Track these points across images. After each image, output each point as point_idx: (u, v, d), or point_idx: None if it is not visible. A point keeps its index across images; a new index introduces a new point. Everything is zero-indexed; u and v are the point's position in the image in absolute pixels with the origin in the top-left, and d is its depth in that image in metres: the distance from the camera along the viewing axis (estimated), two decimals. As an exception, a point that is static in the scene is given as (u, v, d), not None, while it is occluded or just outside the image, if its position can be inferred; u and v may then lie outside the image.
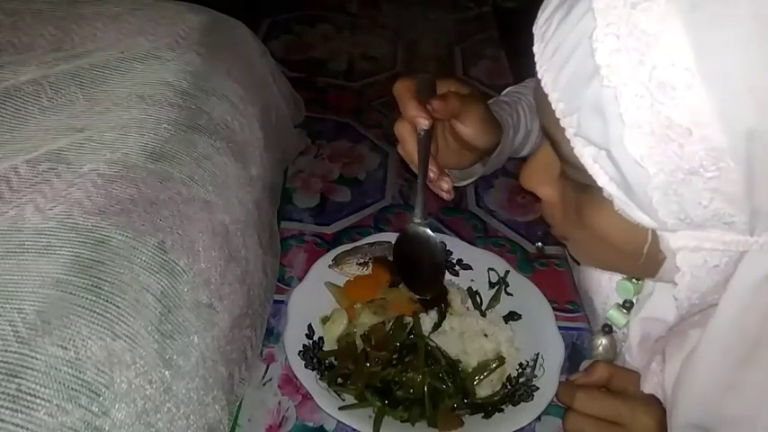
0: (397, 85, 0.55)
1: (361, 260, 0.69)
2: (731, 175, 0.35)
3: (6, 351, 0.36)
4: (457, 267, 0.72)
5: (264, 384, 0.61)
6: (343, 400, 0.57)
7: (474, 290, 0.70)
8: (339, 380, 0.60)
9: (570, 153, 0.40)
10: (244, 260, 0.57)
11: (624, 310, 0.55)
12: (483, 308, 0.68)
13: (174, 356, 0.44)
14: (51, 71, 0.59)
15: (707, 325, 0.42)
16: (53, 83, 0.58)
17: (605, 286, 0.58)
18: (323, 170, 0.89)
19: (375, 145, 0.95)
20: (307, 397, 0.59)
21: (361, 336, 0.62)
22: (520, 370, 0.62)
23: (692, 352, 0.44)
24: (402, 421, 0.57)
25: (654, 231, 0.40)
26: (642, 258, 0.42)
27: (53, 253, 0.42)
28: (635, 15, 0.34)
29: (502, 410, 0.58)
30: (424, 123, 0.54)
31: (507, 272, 0.71)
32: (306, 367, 0.59)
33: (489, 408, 0.58)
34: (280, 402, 0.59)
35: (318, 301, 0.66)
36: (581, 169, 0.40)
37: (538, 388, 0.60)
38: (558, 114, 0.39)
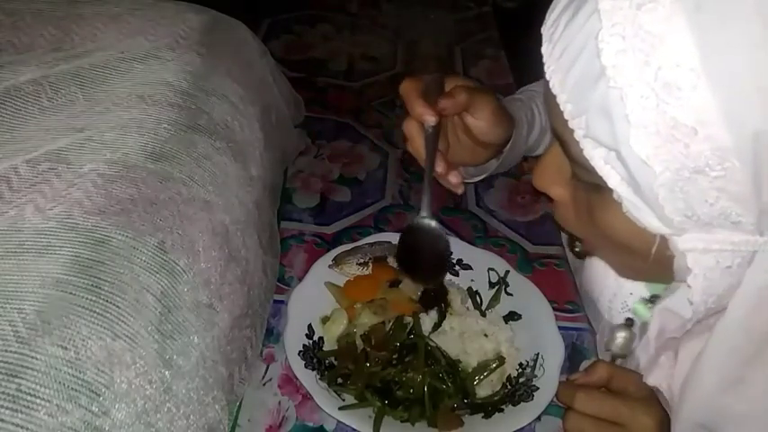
0: (403, 84, 0.55)
1: (361, 260, 0.69)
2: (737, 175, 0.35)
3: (6, 351, 0.36)
4: (457, 267, 0.72)
5: (264, 384, 0.61)
6: (343, 400, 0.57)
7: (474, 290, 0.70)
8: (339, 380, 0.60)
9: (580, 154, 0.40)
10: (244, 260, 0.57)
11: (650, 304, 0.55)
12: (483, 308, 0.68)
13: (174, 356, 0.44)
14: (51, 71, 0.59)
15: (715, 325, 0.42)
16: (53, 83, 0.58)
17: (612, 284, 0.58)
18: (323, 170, 0.89)
19: (375, 145, 0.95)
20: (307, 397, 0.59)
21: (361, 336, 0.62)
22: (520, 370, 0.62)
23: (700, 352, 0.44)
24: (402, 421, 0.57)
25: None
26: (651, 259, 0.42)
27: (53, 253, 0.42)
28: (640, 16, 0.34)
29: (502, 410, 0.58)
30: (430, 120, 0.54)
31: (507, 272, 0.71)
32: (306, 367, 0.59)
33: (489, 408, 0.58)
34: (280, 402, 0.59)
35: (318, 301, 0.66)
36: (591, 170, 0.40)
37: (538, 388, 0.60)
38: (566, 116, 0.39)
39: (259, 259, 0.62)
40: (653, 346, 0.52)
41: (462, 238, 0.78)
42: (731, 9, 0.32)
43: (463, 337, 0.63)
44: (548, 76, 0.40)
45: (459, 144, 0.59)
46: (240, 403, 0.58)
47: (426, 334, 0.63)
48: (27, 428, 0.35)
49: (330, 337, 0.63)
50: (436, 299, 0.66)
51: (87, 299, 0.40)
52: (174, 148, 0.54)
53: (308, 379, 0.58)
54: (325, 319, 0.65)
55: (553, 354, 0.62)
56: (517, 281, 0.70)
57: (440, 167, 0.56)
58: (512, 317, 0.67)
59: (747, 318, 0.40)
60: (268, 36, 1.20)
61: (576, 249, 0.55)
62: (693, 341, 0.47)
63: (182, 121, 0.57)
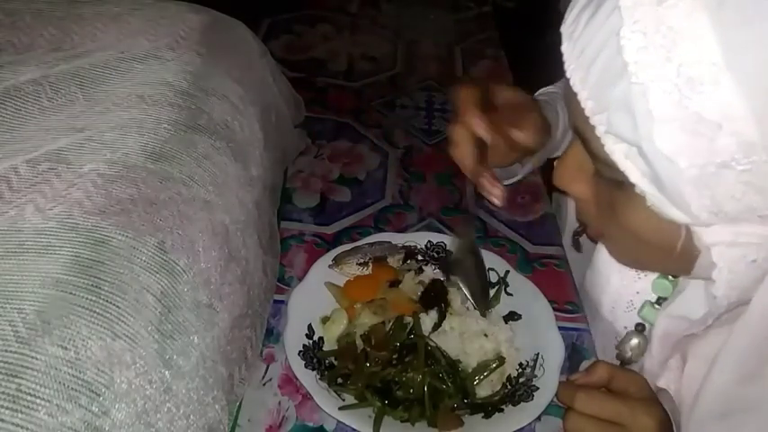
0: (461, 91, 0.55)
1: (361, 260, 0.69)
2: (764, 168, 0.34)
3: (6, 351, 0.36)
4: (457, 267, 0.73)
5: (264, 384, 0.61)
6: (343, 400, 0.57)
7: (474, 290, 0.70)
8: (339, 380, 0.60)
9: (601, 151, 0.40)
10: (244, 260, 0.57)
11: (657, 307, 0.55)
12: (483, 308, 0.68)
13: (174, 356, 0.44)
14: (51, 71, 0.59)
15: (738, 319, 0.42)
16: (53, 83, 0.58)
17: (616, 284, 0.58)
18: (323, 170, 0.89)
19: (375, 145, 0.95)
20: (307, 397, 0.59)
21: (361, 336, 0.62)
22: (520, 370, 0.62)
23: (721, 347, 0.44)
24: (402, 421, 0.57)
25: (688, 227, 0.40)
26: (676, 254, 0.42)
27: (53, 253, 0.42)
28: (661, 12, 0.34)
29: (502, 410, 0.58)
30: (485, 137, 0.54)
31: (507, 272, 0.71)
32: (306, 367, 0.59)
33: (489, 408, 0.58)
34: (280, 402, 0.59)
35: (318, 301, 0.66)
36: (613, 166, 0.40)
37: (538, 388, 0.60)
38: (587, 112, 0.39)
39: (259, 259, 0.62)
40: (656, 347, 0.53)
41: (462, 238, 0.78)
42: (753, 4, 0.32)
43: (463, 337, 0.63)
44: (568, 74, 0.40)
45: (494, 147, 0.59)
46: (240, 403, 0.58)
47: (426, 334, 0.63)
48: (27, 428, 0.35)
49: (330, 337, 0.63)
50: (436, 299, 0.66)
51: (87, 299, 0.40)
52: (174, 148, 0.54)
53: (308, 379, 0.58)
54: (325, 319, 0.65)
55: (553, 354, 0.62)
56: (517, 281, 0.70)
57: (485, 179, 0.56)
58: (512, 317, 0.67)
59: None
60: (268, 36, 1.20)
61: (577, 237, 0.54)
62: (705, 340, 0.47)
63: (182, 121, 0.57)
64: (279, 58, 0.93)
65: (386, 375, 0.59)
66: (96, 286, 0.41)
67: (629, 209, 0.43)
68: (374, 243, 0.72)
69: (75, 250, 0.42)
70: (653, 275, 0.57)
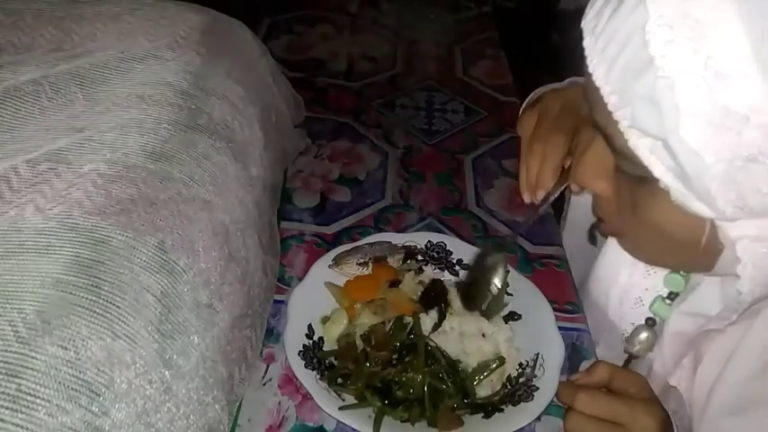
0: (552, 139, 0.58)
1: (361, 260, 0.69)
2: None
3: (6, 351, 0.36)
4: (457, 267, 0.73)
5: (264, 384, 0.61)
6: (343, 400, 0.57)
7: (474, 290, 0.70)
8: (339, 380, 0.60)
9: (624, 146, 0.40)
10: (244, 260, 0.57)
11: (669, 302, 0.55)
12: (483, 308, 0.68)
13: (174, 356, 0.44)
14: (51, 71, 0.59)
15: (758, 315, 0.42)
16: (53, 83, 0.58)
17: (624, 280, 0.57)
18: (323, 170, 0.89)
19: (375, 145, 0.95)
20: (307, 397, 0.59)
21: (361, 336, 0.62)
22: (520, 370, 0.62)
23: (737, 344, 0.44)
24: (402, 421, 0.57)
25: (712, 221, 0.40)
26: (700, 249, 0.42)
27: (53, 253, 0.42)
28: (688, 5, 0.34)
29: (502, 410, 0.58)
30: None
31: (507, 272, 0.71)
32: (306, 367, 0.59)
33: (489, 408, 0.58)
34: (280, 402, 0.59)
35: (318, 301, 0.66)
36: (636, 161, 0.40)
37: (538, 388, 0.59)
38: (610, 107, 0.39)
39: (259, 259, 0.62)
40: (669, 347, 0.52)
41: (462, 239, 0.78)
42: None
43: (463, 337, 0.63)
44: (590, 69, 0.40)
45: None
46: (240, 403, 0.58)
47: (426, 334, 0.63)
48: (27, 428, 0.35)
49: (330, 337, 0.63)
50: (436, 299, 0.66)
51: (87, 299, 0.40)
52: (174, 148, 0.54)
53: (308, 379, 0.58)
54: (325, 319, 0.65)
55: (553, 354, 0.62)
56: (517, 281, 0.70)
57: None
58: (512, 317, 0.67)
59: None
60: (268, 36, 1.20)
61: (594, 231, 0.54)
62: (721, 338, 0.47)
63: (182, 121, 0.57)
64: (279, 58, 0.93)
65: (386, 375, 0.59)
66: (96, 286, 0.41)
67: (651, 204, 0.42)
68: (374, 243, 0.72)
69: (75, 250, 0.42)
70: (663, 272, 0.56)
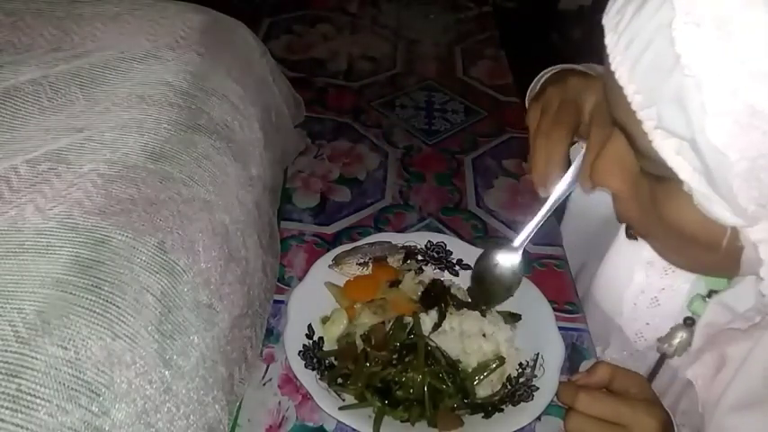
0: (599, 132, 0.56)
1: (361, 260, 0.69)
2: None
3: (6, 351, 0.36)
4: (457, 267, 0.73)
5: (264, 384, 0.61)
6: (343, 400, 0.57)
7: (474, 290, 0.70)
8: (339, 380, 0.60)
9: (648, 146, 0.39)
10: (244, 260, 0.57)
11: (708, 300, 0.54)
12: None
13: (174, 356, 0.44)
14: (51, 71, 0.59)
15: None
16: (53, 83, 0.58)
17: (640, 280, 0.57)
18: (323, 170, 0.89)
19: (375, 145, 0.95)
20: (307, 397, 0.59)
21: (361, 336, 0.62)
22: (520, 370, 0.62)
23: (756, 343, 0.43)
24: (402, 421, 0.57)
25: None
26: (721, 252, 0.41)
27: (53, 253, 0.42)
28: (715, 3, 0.33)
29: (502, 410, 0.58)
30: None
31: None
32: (306, 367, 0.59)
33: (489, 408, 0.58)
34: (280, 402, 0.59)
35: (318, 301, 0.66)
36: (659, 162, 0.39)
37: (538, 388, 0.59)
38: (634, 107, 0.38)
39: (259, 259, 0.62)
40: (698, 334, 0.51)
41: (462, 239, 0.78)
42: None
43: (463, 337, 0.63)
44: (613, 68, 0.39)
45: None
46: (240, 403, 0.58)
47: (426, 334, 0.63)
48: (27, 428, 0.35)
49: (330, 337, 0.63)
50: (436, 299, 0.66)
51: (87, 299, 0.40)
52: (174, 148, 0.54)
53: (308, 379, 0.58)
54: (325, 319, 0.65)
55: (553, 354, 0.62)
56: (517, 281, 0.70)
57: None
58: (512, 317, 0.67)
59: None
60: (268, 36, 1.20)
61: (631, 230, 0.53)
62: (743, 340, 0.46)
63: (182, 121, 0.57)
64: (279, 58, 0.93)
65: (386, 375, 0.59)
66: (96, 286, 0.41)
67: (672, 205, 0.42)
68: (374, 243, 0.72)
69: (75, 250, 0.42)
70: (681, 271, 0.56)
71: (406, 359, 0.60)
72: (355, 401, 0.58)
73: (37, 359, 0.36)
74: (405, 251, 0.72)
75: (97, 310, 0.40)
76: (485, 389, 0.61)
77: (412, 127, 1.00)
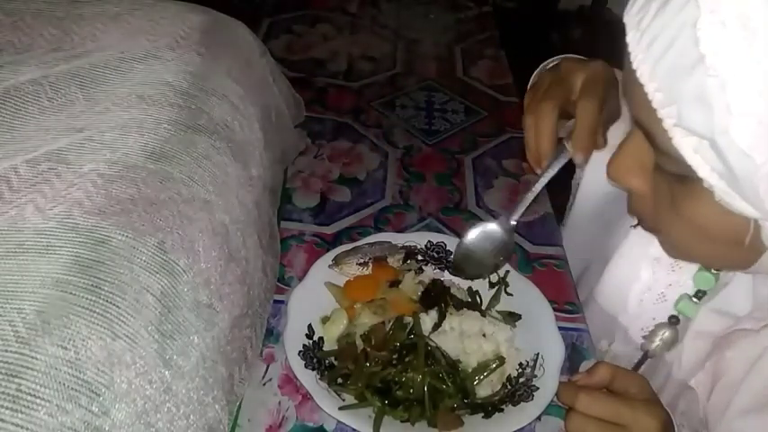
0: (586, 105, 0.56)
1: (361, 260, 0.69)
2: None
3: (6, 351, 0.36)
4: (457, 267, 0.72)
5: (264, 384, 0.61)
6: (343, 400, 0.57)
7: (474, 290, 0.70)
8: (339, 380, 0.60)
9: (668, 144, 0.39)
10: (244, 260, 0.57)
11: (696, 300, 0.54)
12: (483, 308, 0.68)
13: (174, 356, 0.44)
14: (51, 71, 0.59)
15: None
16: (53, 83, 0.58)
17: (646, 276, 0.57)
18: (323, 170, 0.89)
19: (375, 145, 0.95)
20: (307, 397, 0.59)
21: (361, 336, 0.62)
22: (520, 370, 0.62)
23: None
24: (402, 421, 0.57)
25: (756, 221, 0.39)
26: (743, 248, 0.41)
27: (53, 253, 0.42)
28: (741, 2, 0.33)
29: (502, 410, 0.58)
30: (580, 160, 0.57)
31: (507, 272, 0.71)
32: (306, 367, 0.59)
33: (489, 408, 0.58)
34: (280, 402, 0.59)
35: (318, 301, 0.66)
36: (679, 160, 0.39)
37: (538, 388, 0.60)
38: (655, 105, 0.38)
39: (259, 259, 0.62)
40: (691, 345, 0.51)
41: (462, 239, 0.78)
42: None
43: (463, 337, 0.63)
44: (635, 66, 0.39)
45: None
46: (240, 403, 0.58)
47: (426, 334, 0.63)
48: (27, 428, 0.35)
49: (330, 337, 0.63)
50: (436, 299, 0.66)
51: (87, 299, 0.40)
52: (174, 148, 0.54)
53: (308, 379, 0.58)
54: (325, 319, 0.65)
55: (553, 354, 0.62)
56: (517, 281, 0.70)
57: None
58: (512, 317, 0.67)
59: None
60: (268, 36, 1.20)
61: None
62: (747, 342, 0.46)
63: (182, 121, 0.57)
64: (279, 58, 0.93)
65: (386, 375, 0.59)
66: (96, 286, 0.41)
67: (692, 203, 0.41)
68: (374, 243, 0.72)
69: (75, 250, 0.42)
70: (688, 267, 0.56)
71: (406, 359, 0.60)
72: (355, 401, 0.58)
73: (37, 359, 0.36)
74: (405, 251, 0.72)
75: (97, 311, 0.40)
76: (485, 389, 0.61)
77: (412, 127, 1.00)
